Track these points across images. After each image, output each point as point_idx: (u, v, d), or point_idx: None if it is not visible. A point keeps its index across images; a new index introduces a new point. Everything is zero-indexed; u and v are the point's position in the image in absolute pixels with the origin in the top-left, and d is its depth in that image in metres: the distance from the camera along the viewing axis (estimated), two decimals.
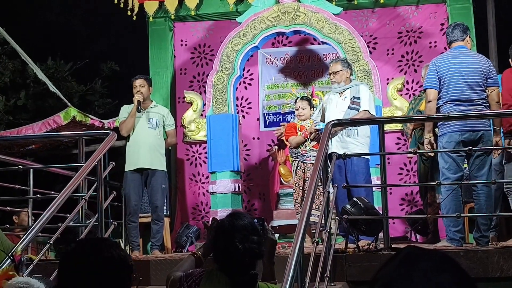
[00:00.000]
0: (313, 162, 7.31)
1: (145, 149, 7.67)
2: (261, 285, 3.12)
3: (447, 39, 6.58)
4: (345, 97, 7.40)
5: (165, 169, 7.91)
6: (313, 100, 8.37)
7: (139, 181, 7.68)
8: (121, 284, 2.23)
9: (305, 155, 7.72)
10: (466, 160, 6.30)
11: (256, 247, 3.02)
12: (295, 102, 8.12)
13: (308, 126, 7.80)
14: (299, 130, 7.85)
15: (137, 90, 7.82)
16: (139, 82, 7.89)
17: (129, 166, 7.68)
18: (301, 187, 7.65)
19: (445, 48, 9.43)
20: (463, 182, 6.08)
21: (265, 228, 3.33)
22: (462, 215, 5.83)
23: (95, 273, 2.16)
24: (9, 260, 3.22)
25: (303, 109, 7.91)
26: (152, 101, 8.09)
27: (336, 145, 7.20)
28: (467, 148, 5.83)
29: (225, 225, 3.08)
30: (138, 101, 7.74)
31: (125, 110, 7.93)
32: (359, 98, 7.32)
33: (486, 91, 6.26)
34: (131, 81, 7.99)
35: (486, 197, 6.12)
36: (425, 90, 6.46)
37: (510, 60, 6.89)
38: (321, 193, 6.67)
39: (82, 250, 2.24)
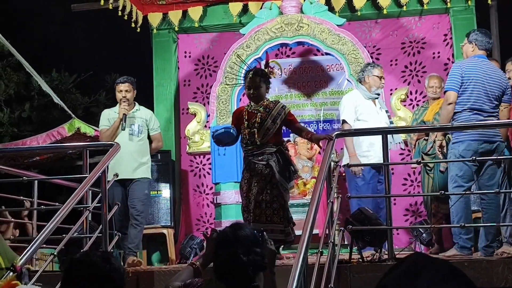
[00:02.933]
0: (265, 163, 6.05)
1: (127, 159, 7.08)
2: None
3: (474, 42, 6.33)
4: (380, 107, 7.42)
5: (149, 177, 7.36)
6: (271, 71, 6.50)
7: (121, 191, 7.11)
8: None
9: (255, 154, 6.11)
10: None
11: (260, 259, 3.02)
12: (245, 77, 6.38)
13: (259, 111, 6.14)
14: (246, 120, 6.12)
15: (122, 96, 7.23)
16: (124, 87, 7.28)
17: (110, 175, 6.72)
18: (245, 194, 6.13)
19: (448, 59, 9.48)
20: (469, 192, 6.02)
21: (265, 240, 3.33)
22: (467, 225, 5.79)
23: (97, 283, 2.21)
24: (10, 270, 3.24)
25: (256, 88, 6.17)
26: (135, 103, 7.43)
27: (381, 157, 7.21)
28: (472, 158, 5.80)
29: (227, 236, 3.07)
30: (124, 114, 7.17)
31: (106, 117, 7.35)
32: (387, 111, 7.48)
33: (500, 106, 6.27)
34: (114, 83, 7.41)
35: (495, 207, 6.12)
36: (445, 91, 6.24)
37: (505, 72, 6.89)
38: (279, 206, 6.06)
39: (85, 261, 2.29)
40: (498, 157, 6.13)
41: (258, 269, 3.04)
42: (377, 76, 7.36)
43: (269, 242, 3.42)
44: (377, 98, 7.39)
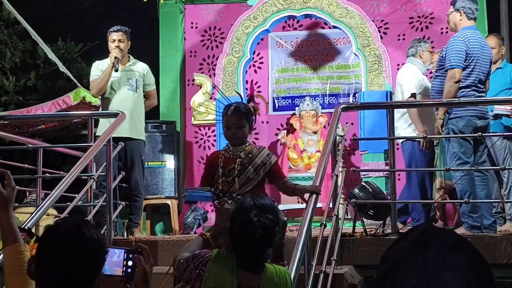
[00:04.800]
0: None
1: (127, 116, 6.58)
2: (268, 266, 3.12)
3: (462, 10, 6.20)
4: None
5: (144, 138, 7.16)
6: (256, 107, 5.06)
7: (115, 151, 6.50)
8: (96, 265, 2.24)
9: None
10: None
11: (269, 223, 3.03)
12: (223, 114, 4.94)
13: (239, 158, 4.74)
14: (221, 167, 4.76)
15: (115, 46, 6.88)
16: (117, 36, 6.94)
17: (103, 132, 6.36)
18: None
19: None
20: (475, 168, 5.98)
21: (278, 211, 3.33)
22: (471, 201, 5.78)
23: (74, 251, 2.17)
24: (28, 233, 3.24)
25: (237, 128, 4.77)
26: (129, 56, 7.15)
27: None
28: (477, 134, 5.78)
29: (247, 203, 3.10)
30: (116, 57, 6.80)
31: (98, 67, 7.04)
32: None
33: None
34: (107, 34, 7.05)
35: (490, 183, 6.15)
36: (451, 68, 6.03)
37: None
38: None
39: (63, 228, 2.25)
40: (506, 133, 6.13)
41: (266, 233, 3.03)
42: (429, 51, 7.25)
43: (280, 213, 3.42)
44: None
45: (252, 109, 4.88)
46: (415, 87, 7.03)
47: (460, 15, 6.22)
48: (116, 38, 6.94)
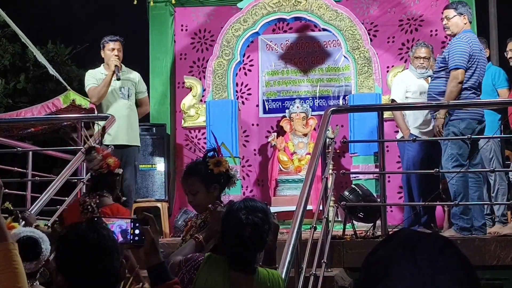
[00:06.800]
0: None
1: (120, 124, 6.86)
2: (261, 270, 3.12)
3: (466, 14, 6.24)
4: None
5: (139, 144, 7.31)
6: (220, 161, 3.92)
7: None
8: (112, 261, 2.28)
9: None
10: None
11: (258, 221, 3.02)
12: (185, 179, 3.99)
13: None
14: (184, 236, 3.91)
15: (115, 55, 7.02)
16: (115, 45, 7.05)
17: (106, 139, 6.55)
18: None
19: (446, 37, 9.43)
20: (464, 171, 6.00)
21: (269, 212, 3.31)
22: (461, 203, 5.80)
23: (88, 254, 2.21)
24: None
25: (192, 193, 3.93)
26: (121, 65, 7.23)
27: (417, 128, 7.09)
28: (467, 137, 5.81)
29: (237, 204, 3.10)
30: (116, 66, 6.94)
31: (93, 76, 7.12)
32: None
33: None
34: (102, 43, 7.12)
35: (483, 185, 6.17)
36: (455, 68, 6.06)
37: (506, 52, 6.93)
38: None
39: (71, 235, 2.29)
40: (503, 135, 6.17)
41: (255, 231, 3.02)
42: (414, 57, 7.23)
43: (273, 216, 3.40)
44: (430, 76, 7.16)
45: (211, 166, 3.87)
46: (397, 93, 7.18)
47: (465, 20, 6.26)
48: (115, 47, 7.03)
